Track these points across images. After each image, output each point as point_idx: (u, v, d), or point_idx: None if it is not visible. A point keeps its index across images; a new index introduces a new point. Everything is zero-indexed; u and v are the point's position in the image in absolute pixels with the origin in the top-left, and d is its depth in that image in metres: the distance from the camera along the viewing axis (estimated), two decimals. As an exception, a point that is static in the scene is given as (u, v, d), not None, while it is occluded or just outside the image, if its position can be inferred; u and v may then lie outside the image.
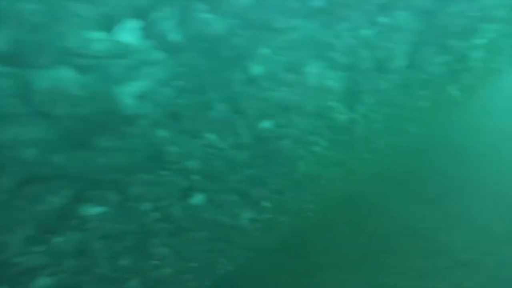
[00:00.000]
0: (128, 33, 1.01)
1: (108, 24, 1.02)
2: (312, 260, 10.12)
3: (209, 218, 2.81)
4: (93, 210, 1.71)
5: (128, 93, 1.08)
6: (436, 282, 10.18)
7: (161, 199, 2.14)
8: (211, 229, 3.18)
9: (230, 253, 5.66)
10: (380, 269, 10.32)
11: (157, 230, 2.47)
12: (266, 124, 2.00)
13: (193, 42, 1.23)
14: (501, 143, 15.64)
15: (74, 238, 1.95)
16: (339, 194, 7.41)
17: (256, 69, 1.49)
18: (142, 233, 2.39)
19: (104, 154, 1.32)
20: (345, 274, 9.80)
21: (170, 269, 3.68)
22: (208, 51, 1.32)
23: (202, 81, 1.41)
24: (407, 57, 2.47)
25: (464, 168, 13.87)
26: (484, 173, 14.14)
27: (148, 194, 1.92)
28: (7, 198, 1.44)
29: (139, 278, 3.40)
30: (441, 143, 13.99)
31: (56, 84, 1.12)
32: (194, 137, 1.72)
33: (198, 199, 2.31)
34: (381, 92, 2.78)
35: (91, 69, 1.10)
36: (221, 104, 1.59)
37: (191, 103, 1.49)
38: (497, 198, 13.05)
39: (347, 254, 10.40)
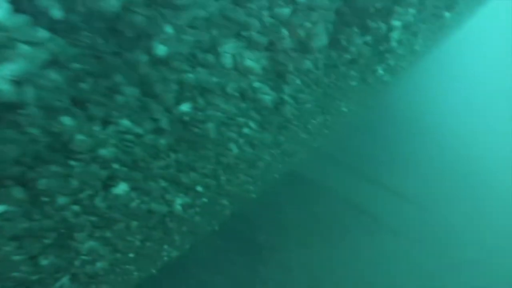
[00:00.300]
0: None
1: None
2: (258, 241, 10.32)
3: (138, 207, 2.72)
4: (-5, 209, 1.56)
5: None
6: (383, 258, 10.87)
7: (79, 191, 2.02)
8: (143, 218, 3.08)
9: (171, 240, 5.58)
10: (327, 246, 10.84)
11: (81, 223, 2.35)
12: (184, 107, 1.95)
13: (84, 20, 1.14)
14: (432, 120, 16.83)
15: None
16: (279, 175, 7.58)
17: (162, 50, 1.42)
18: (63, 228, 2.25)
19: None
20: (292, 252, 10.14)
21: (105, 262, 3.55)
22: (105, 31, 1.23)
23: (104, 64, 1.32)
24: (329, 37, 2.51)
25: (401, 145, 14.81)
26: (422, 149, 15.18)
27: (62, 187, 1.80)
28: None
29: (70, 276, 3.24)
30: (375, 121, 14.77)
31: None
32: (105, 124, 1.62)
33: (121, 188, 2.21)
34: (306, 72, 2.83)
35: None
36: (130, 87, 1.51)
37: (95, 87, 1.39)
38: (438, 173, 14.07)
39: (293, 233, 10.75)
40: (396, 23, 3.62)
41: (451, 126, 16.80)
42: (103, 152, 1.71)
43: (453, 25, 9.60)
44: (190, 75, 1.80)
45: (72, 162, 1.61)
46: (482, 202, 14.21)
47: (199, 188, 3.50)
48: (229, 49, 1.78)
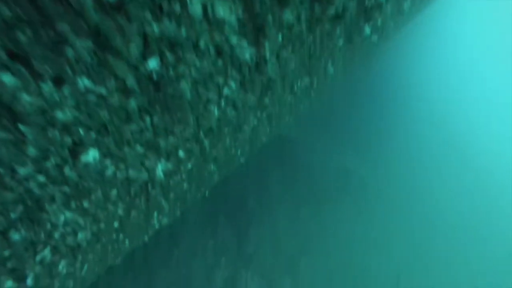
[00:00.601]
0: None
1: None
2: (248, 205, 10.36)
3: (114, 175, 2.57)
4: None
5: None
6: (372, 219, 11.00)
7: (42, 159, 1.86)
8: (122, 186, 2.95)
9: (159, 207, 5.50)
10: (316, 208, 10.94)
11: (50, 195, 2.20)
12: (152, 64, 1.76)
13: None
14: (422, 84, 16.69)
15: None
16: (266, 139, 7.46)
17: (112, -6, 1.23)
18: (30, 201, 2.11)
19: None
20: (282, 214, 10.24)
21: (87, 233, 3.44)
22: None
23: (42, 9, 1.12)
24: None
25: (389, 111, 14.73)
26: (411, 115, 15.13)
27: (18, 156, 1.64)
28: None
29: (50, 248, 3.13)
30: (362, 84, 14.59)
31: None
32: (57, 83, 1.44)
33: (91, 155, 2.05)
34: (288, 26, 2.62)
35: None
36: (80, 39, 1.32)
37: (36, 39, 1.21)
38: (425, 138, 14.09)
39: (283, 196, 10.81)
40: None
41: (442, 92, 16.71)
42: (61, 115, 1.54)
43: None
44: (154, 26, 1.61)
45: (22, 127, 1.44)
46: (462, 179, 14.37)
47: (181, 154, 3.36)
48: (196, -5, 1.58)
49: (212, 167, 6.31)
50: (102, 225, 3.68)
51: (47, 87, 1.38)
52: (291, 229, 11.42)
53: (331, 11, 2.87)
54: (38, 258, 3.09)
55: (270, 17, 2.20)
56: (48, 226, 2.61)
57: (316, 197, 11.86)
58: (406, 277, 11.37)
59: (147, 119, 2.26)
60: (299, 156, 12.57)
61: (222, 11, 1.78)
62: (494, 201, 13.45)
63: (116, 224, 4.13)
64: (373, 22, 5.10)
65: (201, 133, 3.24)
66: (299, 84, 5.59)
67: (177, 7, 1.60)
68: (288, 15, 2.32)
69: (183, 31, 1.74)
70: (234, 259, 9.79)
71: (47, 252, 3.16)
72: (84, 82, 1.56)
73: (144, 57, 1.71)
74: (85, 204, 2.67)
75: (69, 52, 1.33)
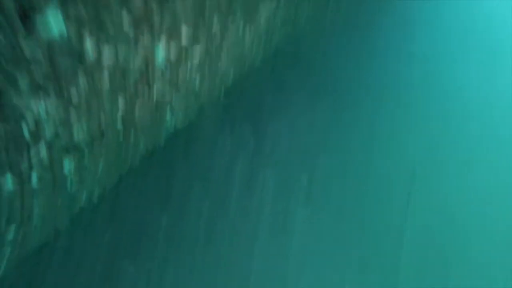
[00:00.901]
0: None
1: None
2: (266, 103, 9.93)
3: (98, 58, 2.02)
4: None
5: None
6: (384, 117, 10.50)
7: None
8: (113, 74, 2.43)
9: (167, 105, 5.09)
10: (333, 107, 10.45)
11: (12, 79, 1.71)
12: None
13: None
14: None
15: None
16: (283, 37, 6.54)
17: None
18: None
19: None
20: (299, 114, 9.80)
21: (83, 132, 3.06)
22: None
23: None
24: None
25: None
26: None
27: None
28: None
29: (46, 146, 2.78)
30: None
31: None
32: None
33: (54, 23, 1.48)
34: None
35: None
36: None
37: None
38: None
39: (299, 96, 10.24)
40: None
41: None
42: None
43: None
44: None
45: None
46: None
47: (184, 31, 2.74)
48: None
49: (224, 61, 5.71)
50: (100, 124, 3.27)
51: None
52: (309, 126, 11.13)
53: None
54: (33, 157, 2.76)
55: None
56: (29, 121, 2.19)
57: (334, 96, 11.30)
58: (422, 175, 11.24)
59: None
60: (315, 55, 11.72)
61: None
62: None
63: (119, 125, 3.75)
64: None
65: None
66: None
67: None
68: None
69: None
70: (252, 157, 9.72)
71: (42, 151, 2.81)
72: None
73: None
74: (66, 94, 2.18)
75: None
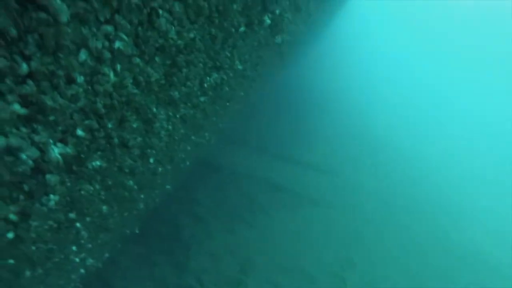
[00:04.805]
0: None
1: None
2: (183, 238, 9.83)
3: None
4: None
5: None
6: (307, 228, 11.01)
7: None
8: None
9: (84, 248, 4.87)
10: (251, 227, 10.75)
11: None
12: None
13: None
14: (331, 92, 17.82)
15: None
16: (189, 162, 7.17)
17: None
18: None
19: None
20: (219, 241, 9.81)
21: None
22: None
23: None
24: None
25: (305, 118, 15.30)
26: (326, 120, 15.91)
27: None
28: None
29: None
30: (274, 96, 15.11)
31: None
32: None
33: None
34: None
35: None
36: None
37: None
38: (344, 141, 14.79)
39: (216, 222, 10.41)
40: None
41: (351, 96, 18.06)
42: None
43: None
44: None
45: None
46: (385, 164, 15.41)
47: (79, 133, 3.00)
48: None
49: (130, 182, 5.89)
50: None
51: None
52: (231, 253, 11.00)
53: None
54: None
55: None
56: None
57: (250, 216, 11.66)
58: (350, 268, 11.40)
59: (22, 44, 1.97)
60: (225, 178, 12.39)
61: None
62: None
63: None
64: (270, 11, 5.31)
65: (99, 104, 2.94)
66: (208, 80, 5.55)
67: None
68: None
69: None
70: (174, 290, 9.05)
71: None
72: None
73: None
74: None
75: None
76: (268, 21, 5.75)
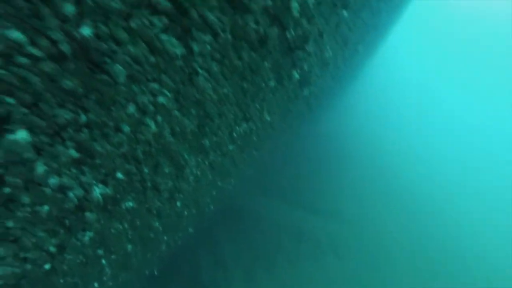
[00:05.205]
0: None
1: None
2: (202, 281, 9.83)
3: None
4: None
5: None
6: (328, 281, 10.84)
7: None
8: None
9: (97, 273, 5.07)
10: (272, 277, 10.69)
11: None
12: (85, 30, 1.91)
13: None
14: (359, 142, 17.87)
15: None
16: (214, 206, 7.37)
17: None
18: None
19: None
20: (240, 284, 9.74)
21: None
22: None
23: None
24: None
25: (332, 168, 15.38)
26: (352, 171, 15.89)
27: None
28: None
29: None
30: (303, 144, 15.31)
31: None
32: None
33: (21, 136, 2.03)
34: (214, 34, 2.94)
35: None
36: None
37: None
38: (369, 192, 14.71)
39: (236, 268, 10.39)
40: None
41: (378, 147, 18.09)
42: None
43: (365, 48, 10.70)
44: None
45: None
46: (412, 217, 15.06)
47: (119, 175, 3.30)
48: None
49: (157, 223, 6.10)
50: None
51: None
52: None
53: (253, 25, 3.27)
54: None
55: (194, 12, 2.50)
56: None
57: (271, 265, 11.53)
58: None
59: (83, 116, 2.31)
60: (248, 224, 12.42)
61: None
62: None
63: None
64: (299, 67, 5.69)
65: (139, 151, 3.26)
66: (238, 130, 5.87)
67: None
68: (211, 16, 2.64)
69: (115, 3, 1.94)
70: None
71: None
72: (15, 35, 1.65)
73: (78, 22, 1.86)
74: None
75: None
76: (297, 76, 6.11)
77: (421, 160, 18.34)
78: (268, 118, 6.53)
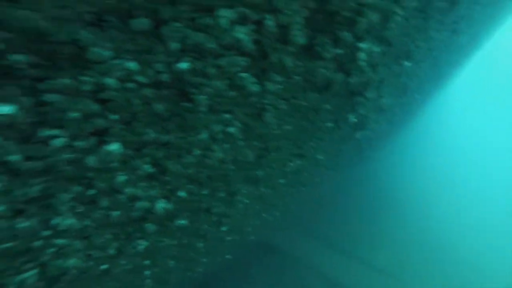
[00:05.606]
0: None
1: None
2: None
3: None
4: None
5: None
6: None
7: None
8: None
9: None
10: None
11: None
12: (184, 65, 2.21)
13: None
14: (406, 193, 17.28)
15: None
16: (254, 237, 7.48)
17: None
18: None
19: None
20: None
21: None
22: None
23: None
24: (306, 39, 2.93)
25: (375, 217, 14.94)
26: (396, 222, 15.34)
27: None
28: None
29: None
30: (349, 190, 15.05)
31: None
32: (115, 55, 1.85)
33: (114, 148, 2.35)
34: (287, 74, 3.19)
35: None
36: (142, 18, 1.79)
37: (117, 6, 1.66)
38: (410, 245, 14.08)
39: None
40: (362, 56, 4.16)
41: (425, 200, 17.33)
42: (109, 81, 1.91)
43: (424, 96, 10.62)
44: (192, 34, 2.11)
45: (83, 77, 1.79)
46: (450, 276, 14.11)
47: (182, 194, 3.56)
48: (225, 13, 2.13)
49: (201, 244, 6.30)
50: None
51: (107, 53, 1.79)
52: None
53: (322, 69, 3.49)
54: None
55: (275, 56, 2.76)
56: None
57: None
58: None
59: (165, 137, 2.61)
60: (283, 263, 12.28)
61: (241, 33, 2.32)
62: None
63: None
64: (356, 111, 5.82)
65: (203, 174, 3.52)
66: (291, 165, 6.04)
67: (209, 20, 2.13)
68: (288, 60, 2.89)
69: (211, 43, 2.24)
70: None
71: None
72: (131, 65, 1.98)
73: (178, 58, 2.17)
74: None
75: (134, 23, 1.78)
76: (354, 120, 6.22)
77: (471, 216, 17.22)
78: (321, 157, 6.64)
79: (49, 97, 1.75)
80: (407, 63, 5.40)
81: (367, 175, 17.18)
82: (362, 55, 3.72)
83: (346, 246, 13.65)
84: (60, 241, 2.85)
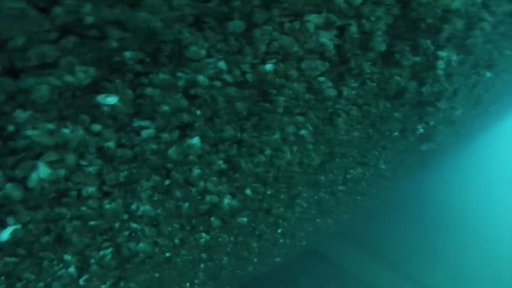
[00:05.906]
0: None
1: None
2: None
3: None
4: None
5: None
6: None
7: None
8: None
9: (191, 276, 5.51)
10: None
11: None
12: (268, 66, 2.28)
13: None
14: (462, 211, 16.21)
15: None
16: (305, 242, 7.41)
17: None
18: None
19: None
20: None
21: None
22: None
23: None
24: (385, 45, 2.88)
25: (426, 233, 14.16)
26: (445, 240, 14.43)
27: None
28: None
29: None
30: (403, 203, 14.40)
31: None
32: (207, 57, 1.97)
33: (195, 141, 2.47)
34: (362, 80, 3.15)
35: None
36: (238, 21, 1.88)
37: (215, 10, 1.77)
38: (458, 265, 13.23)
39: None
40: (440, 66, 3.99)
41: (486, 221, 16.15)
42: (200, 78, 2.03)
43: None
44: (277, 37, 2.17)
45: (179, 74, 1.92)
46: None
47: (248, 192, 3.65)
48: (312, 18, 2.17)
49: (255, 244, 6.37)
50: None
51: (203, 52, 1.91)
52: None
53: (397, 78, 3.41)
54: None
55: (353, 62, 2.75)
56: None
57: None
58: None
59: (238, 134, 2.69)
60: (331, 269, 12.04)
61: (324, 38, 2.34)
62: None
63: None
64: (425, 121, 5.58)
65: (270, 174, 3.58)
66: (352, 172, 5.93)
67: (296, 25, 2.18)
68: (366, 65, 2.86)
69: (296, 47, 2.29)
70: None
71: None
72: (221, 65, 2.08)
73: (264, 60, 2.25)
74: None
75: (230, 26, 1.88)
76: (421, 130, 5.96)
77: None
78: (383, 167, 6.45)
79: (148, 90, 1.89)
80: (487, 73, 5.08)
81: (425, 190, 16.33)
82: (440, 64, 3.57)
83: (398, 263, 13.08)
84: (134, 225, 3.04)
